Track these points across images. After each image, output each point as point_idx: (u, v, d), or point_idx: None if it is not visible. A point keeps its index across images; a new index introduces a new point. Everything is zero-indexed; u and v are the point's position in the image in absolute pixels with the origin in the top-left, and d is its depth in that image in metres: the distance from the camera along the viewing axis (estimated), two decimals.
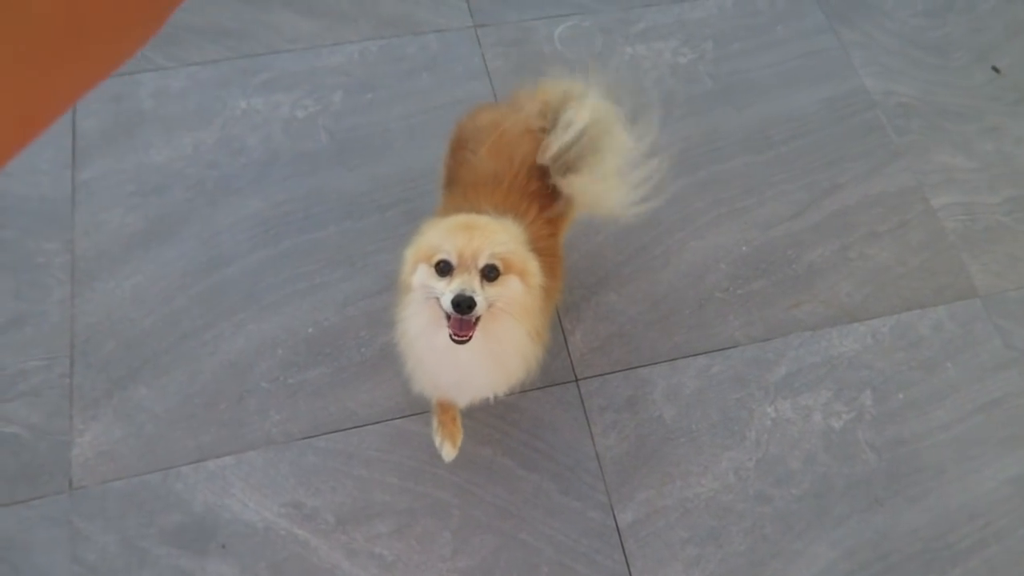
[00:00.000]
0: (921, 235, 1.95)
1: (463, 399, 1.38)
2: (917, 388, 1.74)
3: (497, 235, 1.12)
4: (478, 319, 1.09)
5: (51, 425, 1.55)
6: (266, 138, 1.93)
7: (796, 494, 1.62)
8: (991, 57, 2.26)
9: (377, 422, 1.62)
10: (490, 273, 1.09)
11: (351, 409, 1.63)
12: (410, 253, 1.16)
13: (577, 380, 1.70)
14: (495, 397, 1.33)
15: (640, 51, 2.18)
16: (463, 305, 1.04)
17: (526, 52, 2.13)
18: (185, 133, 1.91)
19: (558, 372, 1.70)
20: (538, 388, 1.66)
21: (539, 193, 1.33)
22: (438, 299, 1.09)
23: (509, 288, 1.12)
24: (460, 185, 1.36)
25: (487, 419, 1.63)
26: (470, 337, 1.08)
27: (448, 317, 1.08)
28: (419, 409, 1.62)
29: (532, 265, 1.16)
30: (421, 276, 1.13)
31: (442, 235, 1.12)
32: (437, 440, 1.49)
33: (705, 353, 1.75)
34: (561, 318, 1.76)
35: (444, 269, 1.09)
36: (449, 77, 2.07)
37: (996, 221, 1.98)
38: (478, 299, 1.05)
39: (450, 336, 1.08)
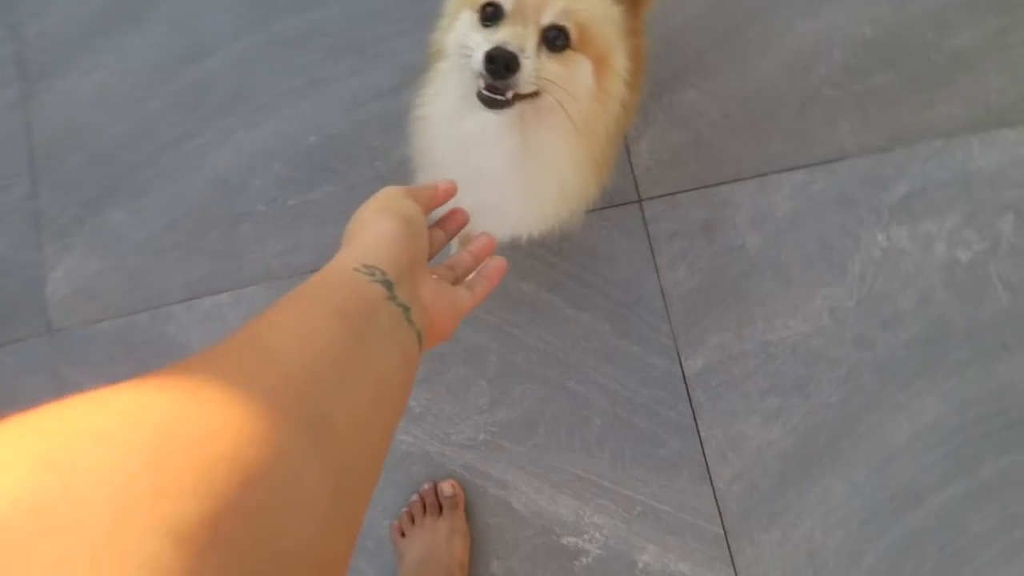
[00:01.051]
0: None
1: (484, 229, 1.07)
2: None
3: None
4: (519, 97, 0.75)
5: (19, 257, 1.33)
6: None
7: (904, 339, 1.34)
8: None
9: None
10: (556, 40, 0.74)
11: None
12: (451, 2, 0.83)
13: (641, 200, 1.38)
14: (527, 237, 1.02)
15: None
16: (499, 63, 0.70)
17: None
18: None
19: (617, 190, 1.37)
20: (591, 210, 1.35)
21: None
22: (470, 57, 0.74)
23: (577, 72, 0.77)
24: None
25: (529, 248, 1.34)
26: (506, 102, 0.74)
27: (482, 86, 0.74)
28: None
29: (619, 58, 0.81)
30: (461, 29, 0.78)
31: None
32: None
33: (805, 167, 1.39)
34: None
35: (492, 15, 0.75)
36: None
37: None
38: (524, 61, 0.70)
39: (478, 93, 0.74)
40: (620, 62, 0.81)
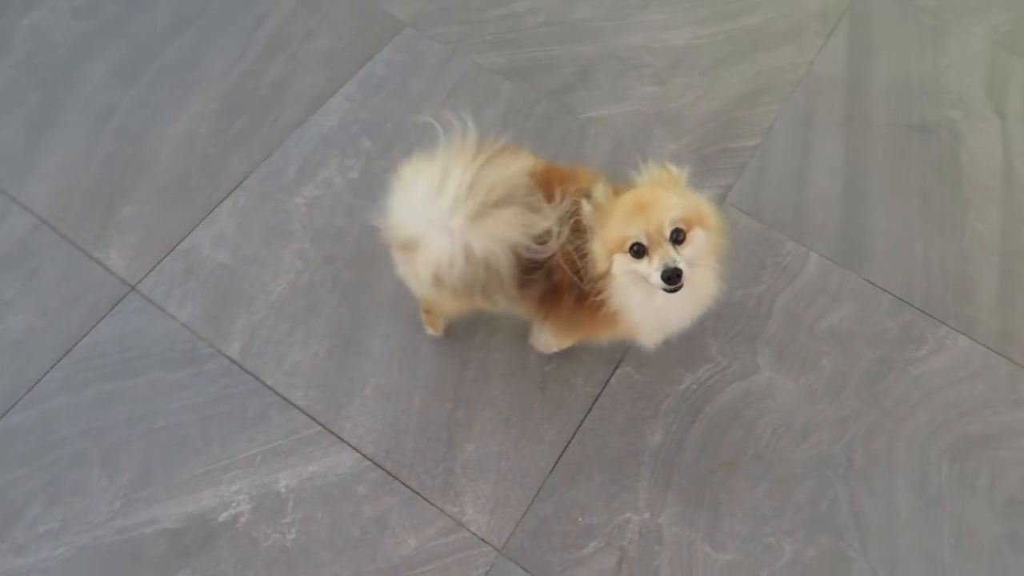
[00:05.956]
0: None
1: (669, 335, 1.46)
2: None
3: (668, 200, 1.20)
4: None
5: None
6: None
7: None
8: None
9: None
10: (677, 236, 1.19)
11: None
12: (598, 248, 1.24)
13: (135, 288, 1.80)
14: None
15: None
16: (673, 277, 1.16)
17: None
18: None
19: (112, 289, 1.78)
20: None
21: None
22: (646, 278, 1.20)
23: (697, 242, 1.22)
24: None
25: None
26: (682, 285, 1.19)
27: (662, 286, 1.19)
28: None
29: (704, 208, 1.24)
30: (622, 265, 1.22)
31: (622, 223, 1.20)
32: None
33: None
34: None
35: (639, 251, 1.19)
36: None
37: None
38: (682, 265, 1.16)
39: (663, 289, 1.19)
40: (706, 208, 1.23)
